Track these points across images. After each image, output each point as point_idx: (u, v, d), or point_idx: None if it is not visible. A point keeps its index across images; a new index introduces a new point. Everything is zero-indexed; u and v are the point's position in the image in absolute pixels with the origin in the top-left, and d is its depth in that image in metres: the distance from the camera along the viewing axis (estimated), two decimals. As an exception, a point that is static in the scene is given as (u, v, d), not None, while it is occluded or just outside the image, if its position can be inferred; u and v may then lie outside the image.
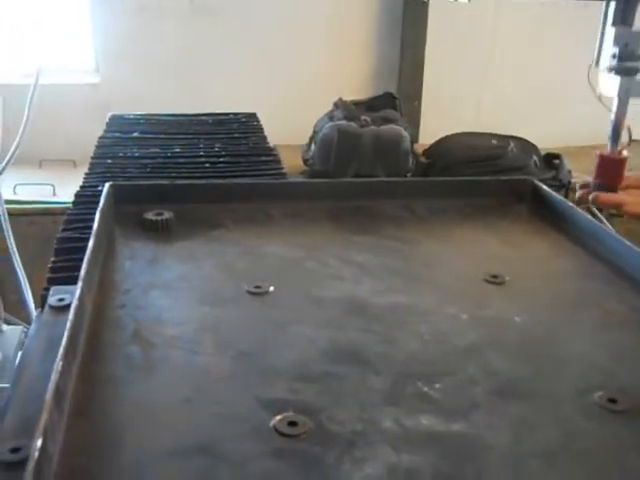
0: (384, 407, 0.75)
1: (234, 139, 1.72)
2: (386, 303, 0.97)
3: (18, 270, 1.85)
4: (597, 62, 1.44)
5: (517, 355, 0.88)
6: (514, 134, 4.15)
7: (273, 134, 4.33)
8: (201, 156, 1.59)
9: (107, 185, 1.20)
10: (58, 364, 0.71)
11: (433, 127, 4.41)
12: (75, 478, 0.65)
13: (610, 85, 1.43)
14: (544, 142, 4.22)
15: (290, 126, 4.19)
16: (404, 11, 4.50)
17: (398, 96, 4.40)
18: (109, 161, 1.54)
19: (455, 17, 4.44)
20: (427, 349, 0.87)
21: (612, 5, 1.34)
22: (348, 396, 0.77)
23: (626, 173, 1.47)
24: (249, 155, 1.61)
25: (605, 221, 4.06)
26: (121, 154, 1.58)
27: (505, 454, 0.70)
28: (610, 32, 1.37)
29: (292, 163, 4.13)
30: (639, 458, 0.71)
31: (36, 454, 0.60)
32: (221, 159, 1.57)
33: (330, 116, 3.99)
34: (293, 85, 4.47)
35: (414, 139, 4.50)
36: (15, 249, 1.71)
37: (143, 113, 1.91)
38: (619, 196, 1.41)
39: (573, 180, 4.04)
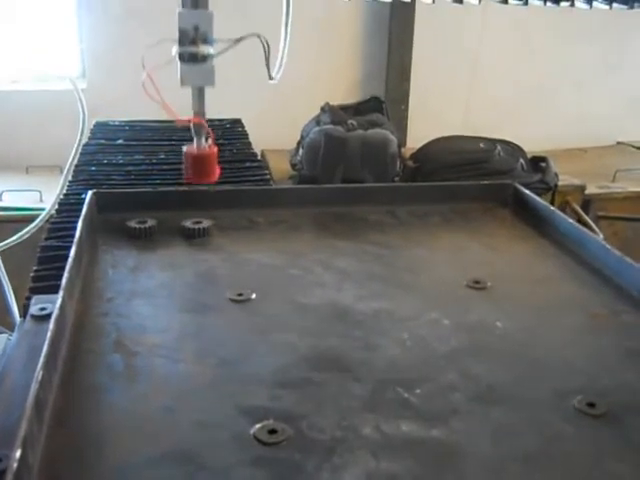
0: (364, 413, 0.76)
1: (219, 145, 1.72)
2: (368, 309, 0.97)
3: (2, 278, 1.85)
4: None
5: (498, 360, 0.88)
6: (501, 137, 4.16)
7: (261, 139, 4.33)
8: (185, 162, 1.58)
9: (90, 193, 1.20)
10: (38, 374, 0.71)
11: (420, 131, 4.43)
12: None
13: None
14: (531, 145, 4.24)
15: (278, 131, 4.20)
16: (391, 15, 4.51)
17: (385, 100, 4.41)
18: (93, 168, 1.54)
19: (442, 21, 4.46)
20: (408, 355, 0.88)
21: None
22: (328, 403, 0.77)
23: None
24: (233, 161, 1.61)
25: (592, 223, 4.09)
26: (105, 161, 1.58)
27: (484, 459, 0.71)
28: None
29: (280, 168, 4.14)
30: (617, 461, 0.72)
31: (15, 465, 0.60)
32: (206, 165, 1.57)
33: (317, 120, 3.99)
34: (281, 90, 4.45)
35: (401, 143, 4.51)
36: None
37: (128, 120, 1.91)
38: None
39: (560, 182, 4.06)
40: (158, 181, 1.46)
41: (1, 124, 3.87)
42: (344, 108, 4.11)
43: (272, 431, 0.72)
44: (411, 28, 4.54)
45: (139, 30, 4.10)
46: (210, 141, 1.35)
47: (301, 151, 4.02)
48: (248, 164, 1.59)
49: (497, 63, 4.64)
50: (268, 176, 1.52)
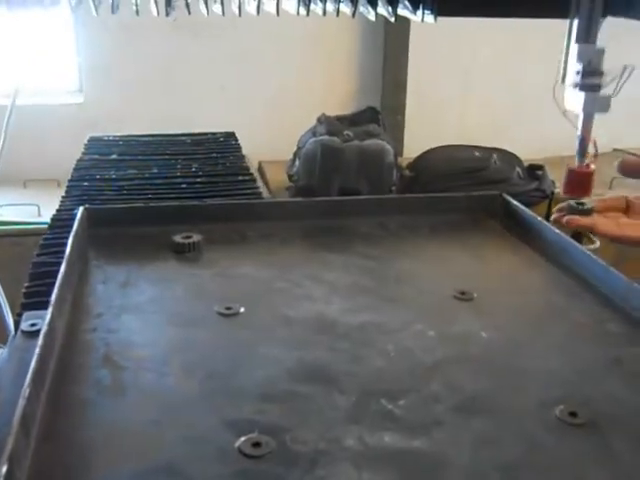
0: (347, 425, 0.77)
1: (211, 159, 1.74)
2: (354, 322, 0.99)
3: (-1, 294, 1.86)
4: (563, 79, 1.47)
5: (482, 371, 0.89)
6: (497, 146, 4.18)
7: (258, 151, 4.37)
8: (178, 177, 1.61)
9: (81, 209, 1.21)
10: (25, 390, 0.72)
11: (417, 141, 4.45)
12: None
13: (575, 101, 1.45)
14: (528, 153, 4.26)
15: (275, 142, 4.22)
16: (386, 26, 4.53)
17: (381, 110, 4.43)
18: (86, 184, 1.55)
19: (437, 32, 4.48)
20: (392, 366, 0.89)
21: (576, 23, 1.36)
22: (312, 415, 0.78)
23: (608, 193, 1.51)
24: (226, 175, 1.62)
25: (589, 233, 4.09)
26: (98, 176, 1.59)
27: (465, 470, 0.72)
28: (574, 49, 1.40)
29: (277, 179, 4.16)
30: (598, 471, 0.73)
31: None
32: (198, 179, 1.59)
33: (313, 132, 4.02)
34: (277, 101, 4.50)
35: (398, 153, 4.53)
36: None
37: (122, 134, 1.93)
38: (591, 219, 1.44)
39: (556, 190, 4.07)
40: (150, 195, 1.47)
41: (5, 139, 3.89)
42: (340, 119, 4.13)
43: (256, 444, 0.73)
44: (406, 39, 4.57)
45: (135, 45, 4.15)
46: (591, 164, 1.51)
47: (298, 162, 4.04)
48: (240, 177, 1.61)
49: (492, 72, 4.67)
50: (260, 190, 1.54)
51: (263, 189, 3.88)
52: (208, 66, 4.32)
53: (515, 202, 1.38)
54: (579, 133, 1.48)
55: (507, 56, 4.61)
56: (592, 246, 4.14)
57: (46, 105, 4.19)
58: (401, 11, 1.23)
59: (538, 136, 4.71)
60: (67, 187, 1.55)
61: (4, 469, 0.62)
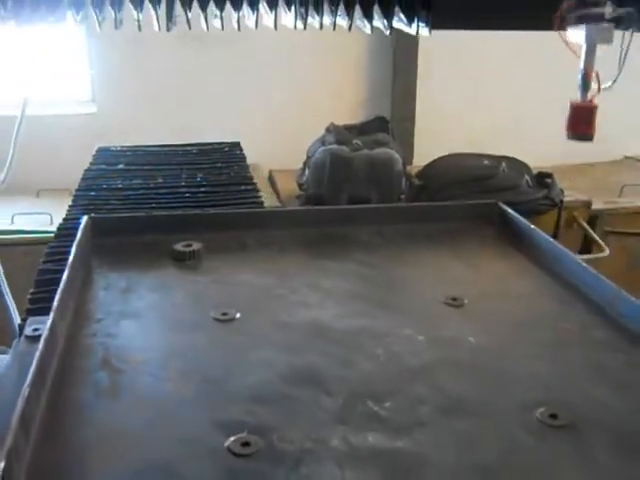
0: (333, 426, 0.80)
1: (216, 169, 1.78)
2: (347, 327, 1.02)
3: (7, 300, 1.90)
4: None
5: (467, 374, 0.92)
6: (508, 154, 4.19)
7: (269, 160, 4.40)
8: (182, 186, 1.64)
9: (85, 218, 1.25)
10: (25, 391, 0.76)
11: (427, 149, 4.47)
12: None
13: (578, 33, 1.44)
14: (538, 161, 4.27)
15: (286, 151, 4.26)
16: (395, 36, 4.56)
17: (390, 120, 4.46)
18: (92, 193, 1.59)
19: (446, 40, 4.51)
20: (380, 370, 0.92)
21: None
22: (300, 416, 0.82)
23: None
24: (229, 184, 1.66)
25: (598, 238, 4.10)
26: (105, 186, 1.63)
27: (446, 469, 0.75)
28: None
29: (288, 188, 4.19)
30: (575, 471, 0.75)
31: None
32: (202, 189, 1.62)
33: (322, 141, 4.05)
34: (287, 111, 4.54)
35: (408, 161, 4.55)
36: (4, 278, 1.76)
37: (130, 145, 1.97)
38: None
39: (565, 198, 4.08)
40: (154, 205, 1.51)
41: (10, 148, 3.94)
42: (349, 128, 4.16)
43: (245, 444, 0.76)
44: (415, 49, 4.59)
45: (147, 57, 4.20)
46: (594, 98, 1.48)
47: (307, 171, 4.07)
48: (243, 187, 1.64)
49: (501, 81, 4.69)
50: (262, 199, 1.57)
51: (273, 198, 3.93)
52: (219, 77, 4.37)
53: (510, 210, 1.40)
54: (582, 66, 1.48)
55: (516, 66, 4.63)
56: (602, 254, 4.14)
57: (59, 115, 4.25)
58: (396, 24, 1.26)
59: (549, 144, 4.71)
60: (74, 197, 1.59)
61: (2, 465, 0.66)
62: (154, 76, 4.26)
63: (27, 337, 0.99)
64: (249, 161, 4.17)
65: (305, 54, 4.44)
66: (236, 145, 2.01)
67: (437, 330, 1.02)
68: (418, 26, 1.25)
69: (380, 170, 3.92)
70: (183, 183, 1.67)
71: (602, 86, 1.48)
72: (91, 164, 1.83)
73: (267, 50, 4.29)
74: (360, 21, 1.28)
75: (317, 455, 0.75)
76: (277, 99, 4.47)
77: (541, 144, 4.66)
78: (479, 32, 4.45)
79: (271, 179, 4.46)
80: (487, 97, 4.74)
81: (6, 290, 1.90)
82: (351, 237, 1.33)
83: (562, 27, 1.30)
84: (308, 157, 4.11)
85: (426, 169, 4.24)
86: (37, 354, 0.83)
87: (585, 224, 4.08)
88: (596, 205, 4.11)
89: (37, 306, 1.11)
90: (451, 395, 0.87)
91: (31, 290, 1.17)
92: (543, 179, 4.19)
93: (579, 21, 1.36)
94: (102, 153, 1.92)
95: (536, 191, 4.14)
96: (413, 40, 4.54)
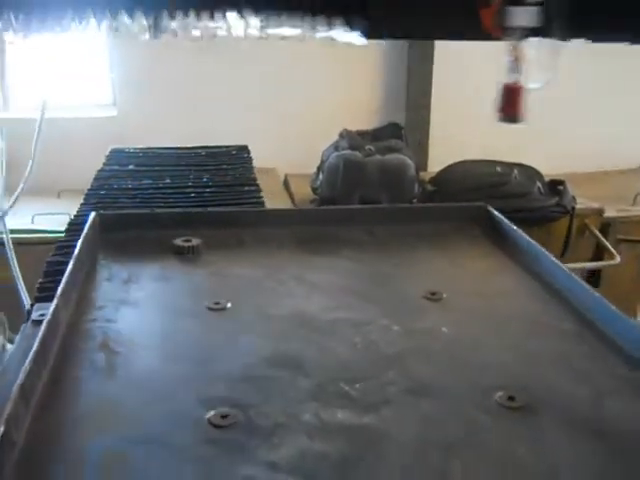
0: (307, 403, 0.87)
1: (222, 170, 1.86)
2: (328, 317, 1.09)
3: (23, 295, 2.00)
4: None
5: (436, 361, 0.99)
6: (522, 161, 4.24)
7: (285, 164, 4.48)
8: (189, 186, 1.73)
9: (92, 214, 1.33)
10: (26, 366, 0.84)
11: (441, 155, 4.53)
12: (39, 458, 0.77)
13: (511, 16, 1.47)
14: (552, 169, 4.31)
15: (301, 156, 4.34)
16: (410, 44, 4.63)
17: (404, 126, 4.53)
18: (103, 192, 1.68)
19: (460, 48, 4.57)
20: (356, 356, 0.99)
21: None
22: (277, 394, 0.89)
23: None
24: (233, 185, 1.74)
25: (609, 246, 4.13)
26: (115, 185, 1.72)
27: (407, 445, 0.82)
28: None
29: (302, 192, 4.27)
30: (525, 449, 0.82)
31: (-1, 437, 0.72)
32: (207, 189, 1.71)
33: (335, 146, 4.13)
34: (303, 117, 4.62)
35: (422, 167, 4.61)
36: (19, 275, 1.85)
37: (142, 147, 2.06)
38: None
39: (578, 206, 4.12)
40: (161, 204, 1.59)
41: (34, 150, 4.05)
42: (362, 134, 4.24)
43: (224, 416, 0.84)
44: (430, 56, 4.66)
45: (165, 62, 4.31)
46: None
47: (321, 175, 4.15)
48: (247, 188, 1.72)
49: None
50: (263, 199, 1.65)
51: (288, 201, 4.00)
52: (235, 83, 4.47)
53: (496, 213, 1.47)
54: (510, 49, 1.52)
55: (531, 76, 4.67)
56: (613, 262, 4.17)
57: (80, 118, 4.37)
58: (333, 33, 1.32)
59: (563, 152, 4.76)
60: (86, 195, 1.68)
61: (1, 429, 0.74)
62: (173, 81, 4.36)
63: (33, 321, 1.08)
64: (266, 165, 4.26)
65: (321, 61, 4.52)
66: (243, 148, 2.09)
67: (413, 322, 1.09)
68: (355, 33, 1.31)
69: (392, 175, 3.99)
70: (190, 183, 1.76)
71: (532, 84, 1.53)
72: (104, 164, 1.92)
73: (284, 59, 4.38)
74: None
75: (289, 428, 0.83)
76: (293, 105, 4.56)
77: (556, 152, 4.71)
78: (497, 41, 4.49)
79: (286, 183, 4.54)
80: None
81: (21, 285, 1.99)
82: (343, 236, 1.40)
83: (493, 22, 1.34)
84: (322, 162, 4.19)
85: (439, 175, 4.30)
86: (39, 334, 0.91)
87: (597, 232, 4.12)
88: (609, 213, 4.15)
89: (44, 294, 1.19)
90: (418, 379, 0.94)
91: (40, 280, 1.25)
92: (555, 186, 4.23)
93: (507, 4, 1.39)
94: (115, 154, 2.01)
95: (548, 198, 4.18)
96: (429, 47, 4.61)
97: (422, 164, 4.71)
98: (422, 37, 1.44)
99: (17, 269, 2.19)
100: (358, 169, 3.97)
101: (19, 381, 0.81)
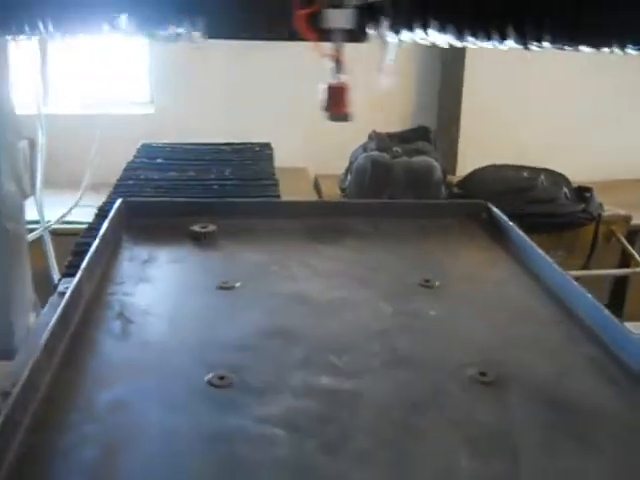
0: (295, 370, 0.98)
1: (244, 165, 1.98)
2: (326, 298, 1.20)
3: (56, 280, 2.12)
4: None
5: (419, 339, 1.09)
6: (551, 167, 4.28)
7: (316, 165, 4.57)
8: (211, 179, 1.84)
9: (119, 201, 1.45)
10: (50, 327, 0.96)
11: (470, 160, 4.59)
12: (58, 404, 0.89)
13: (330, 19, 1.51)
14: (581, 176, 4.35)
15: (332, 157, 4.44)
16: (442, 48, 4.70)
17: (434, 129, 4.61)
18: (131, 182, 1.81)
19: (492, 54, 4.63)
20: (346, 331, 1.09)
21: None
22: (270, 361, 1.00)
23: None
24: (253, 179, 1.85)
25: (635, 253, 4.16)
26: (142, 177, 1.84)
27: (379, 404, 0.92)
28: None
29: (331, 192, 4.37)
30: (486, 414, 0.91)
31: (23, 384, 0.84)
32: (228, 182, 1.82)
33: (364, 147, 4.23)
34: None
35: (451, 171, 4.69)
36: (55, 265, 1.98)
37: (170, 142, 2.18)
38: None
39: (605, 213, 4.16)
40: (184, 194, 1.71)
41: (73, 145, 4.21)
42: (391, 136, 4.33)
43: (221, 377, 0.95)
44: (462, 61, 4.72)
45: (202, 62, 4.44)
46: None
47: (349, 176, 4.25)
48: (265, 182, 1.83)
49: (547, 94, 4.77)
50: (278, 192, 1.76)
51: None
52: (269, 83, 4.58)
53: (496, 210, 1.56)
54: (331, 50, 1.57)
55: (561, 78, 4.71)
56: (639, 269, 4.20)
57: (119, 115, 4.53)
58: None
59: (593, 158, 4.79)
60: (115, 185, 1.80)
61: (25, 377, 0.85)
62: (209, 81, 4.50)
63: (59, 293, 1.20)
64: (297, 165, 4.35)
65: (353, 64, 4.61)
66: (266, 145, 2.20)
67: (404, 304, 1.19)
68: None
69: (419, 177, 4.08)
70: (212, 176, 1.87)
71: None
72: (134, 157, 2.05)
73: (318, 60, 4.49)
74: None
75: (278, 389, 0.93)
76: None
77: (585, 158, 4.74)
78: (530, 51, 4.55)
79: (316, 184, 4.65)
80: (534, 109, 4.83)
81: (57, 274, 2.11)
82: (348, 227, 1.50)
83: (307, 25, 1.38)
84: (350, 163, 4.29)
85: (466, 179, 4.37)
86: (63, 301, 1.03)
87: (623, 239, 4.15)
88: (636, 220, 4.17)
89: (71, 271, 1.31)
90: (400, 353, 1.04)
91: (68, 259, 1.37)
92: (582, 193, 4.27)
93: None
94: (145, 148, 2.14)
95: (574, 204, 4.23)
96: (460, 51, 4.68)
97: (451, 168, 4.78)
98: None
99: (53, 258, 2.33)
100: (385, 170, 4.07)
101: (43, 339, 0.93)
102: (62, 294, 1.18)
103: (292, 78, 4.58)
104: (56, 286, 1.25)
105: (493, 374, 0.98)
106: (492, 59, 4.56)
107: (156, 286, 1.22)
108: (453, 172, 4.77)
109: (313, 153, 4.69)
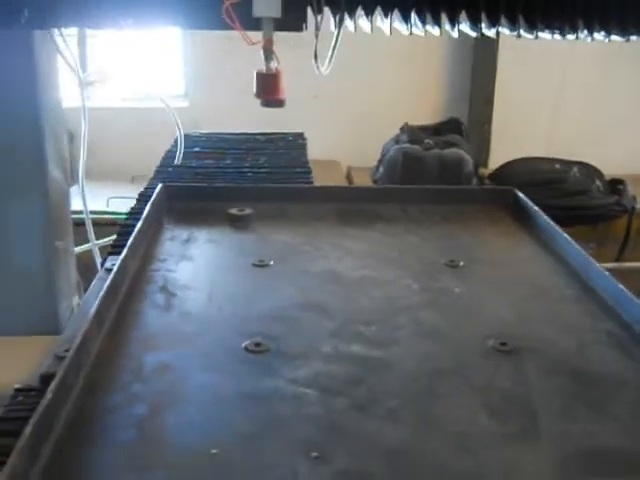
0: (327, 339, 1.04)
1: (278, 154, 2.05)
2: (356, 276, 1.26)
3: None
4: None
5: (443, 313, 1.15)
6: (584, 160, 4.29)
7: (349, 157, 4.61)
8: (246, 167, 1.92)
9: (160, 185, 1.53)
10: (100, 297, 1.04)
11: (503, 152, 4.61)
12: (107, 366, 0.96)
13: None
14: (614, 168, 4.35)
15: (365, 150, 4.49)
16: (475, 41, 4.73)
17: (467, 122, 4.64)
18: (170, 169, 1.89)
19: (525, 46, 4.65)
20: (375, 305, 1.16)
21: None
22: (303, 331, 1.07)
23: None
24: (286, 167, 1.92)
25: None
26: (180, 164, 1.92)
27: (405, 370, 0.98)
28: None
29: (363, 184, 4.43)
30: (505, 380, 0.97)
31: (77, 346, 0.91)
32: (262, 169, 1.89)
33: (396, 140, 4.29)
34: (369, 112, 4.75)
35: (483, 163, 4.72)
36: (97, 250, 2.06)
37: (206, 132, 2.26)
38: None
39: (638, 205, 4.17)
40: (221, 180, 1.78)
41: (111, 137, 4.32)
42: (423, 129, 4.37)
43: (257, 344, 1.02)
44: (495, 53, 4.74)
45: (236, 55, 4.51)
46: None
47: (381, 168, 4.30)
48: (298, 169, 1.90)
49: (580, 86, 4.77)
50: (312, 179, 1.82)
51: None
52: (303, 77, 4.63)
53: (523, 196, 1.60)
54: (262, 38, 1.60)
55: (596, 71, 4.71)
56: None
57: (154, 108, 4.61)
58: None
59: (626, 151, 4.78)
60: (155, 171, 1.88)
61: (79, 340, 0.93)
62: (242, 75, 4.55)
63: (106, 269, 1.28)
64: (330, 158, 4.41)
65: (386, 58, 4.65)
66: (299, 135, 2.27)
67: (430, 282, 1.25)
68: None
69: (450, 169, 4.12)
70: (247, 164, 1.94)
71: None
72: (172, 146, 2.13)
73: (352, 55, 4.53)
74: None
75: (310, 355, 1.00)
76: (359, 101, 4.70)
77: (621, 151, 4.74)
78: (563, 44, 4.59)
79: (349, 176, 4.71)
80: (566, 102, 4.83)
81: (99, 262, 2.20)
82: (379, 212, 1.56)
83: (233, 14, 1.42)
84: (382, 155, 4.35)
85: (498, 171, 4.40)
86: (111, 275, 1.11)
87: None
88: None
89: (116, 250, 1.39)
90: (425, 325, 1.10)
91: (115, 237, 1.46)
92: (615, 185, 4.28)
93: None
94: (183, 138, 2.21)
95: (607, 197, 4.25)
96: (493, 44, 4.70)
97: (483, 160, 4.81)
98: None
99: (94, 241, 2.42)
100: (417, 162, 4.12)
101: (94, 307, 1.00)
102: (109, 270, 1.26)
103: (322, 75, 4.63)
104: (102, 263, 1.33)
105: (513, 345, 1.04)
106: (525, 49, 4.57)
107: (196, 263, 1.30)
108: (485, 165, 4.80)
109: (346, 146, 4.74)
